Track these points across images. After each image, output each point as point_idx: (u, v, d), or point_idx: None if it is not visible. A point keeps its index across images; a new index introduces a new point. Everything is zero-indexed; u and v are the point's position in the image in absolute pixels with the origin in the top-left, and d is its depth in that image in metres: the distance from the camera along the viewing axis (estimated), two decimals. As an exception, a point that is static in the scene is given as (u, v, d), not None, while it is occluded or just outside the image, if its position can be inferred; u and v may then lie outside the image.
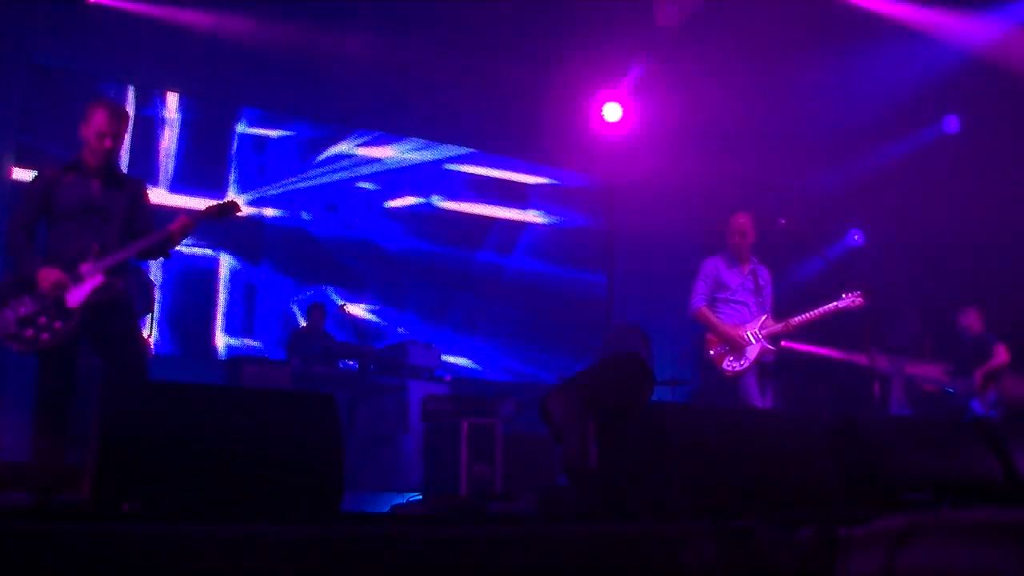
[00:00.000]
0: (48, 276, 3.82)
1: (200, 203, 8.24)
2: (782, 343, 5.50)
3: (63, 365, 3.87)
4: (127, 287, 4.01)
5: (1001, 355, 7.28)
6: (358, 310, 8.94)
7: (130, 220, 4.11)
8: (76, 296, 3.84)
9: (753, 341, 5.35)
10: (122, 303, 3.99)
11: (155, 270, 8.06)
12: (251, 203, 8.76)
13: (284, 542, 1.82)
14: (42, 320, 3.79)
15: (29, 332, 3.77)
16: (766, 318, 5.46)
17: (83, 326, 3.89)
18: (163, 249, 4.14)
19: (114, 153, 4.09)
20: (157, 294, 7.44)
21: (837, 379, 7.97)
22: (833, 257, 7.93)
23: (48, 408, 3.83)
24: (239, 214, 4.29)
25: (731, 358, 5.33)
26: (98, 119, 4.00)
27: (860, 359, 7.30)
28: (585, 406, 2.96)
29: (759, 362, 5.35)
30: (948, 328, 7.69)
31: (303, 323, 8.28)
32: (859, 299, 5.32)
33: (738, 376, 5.30)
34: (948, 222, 8.04)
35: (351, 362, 7.84)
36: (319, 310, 8.06)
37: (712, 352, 5.39)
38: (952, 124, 8.57)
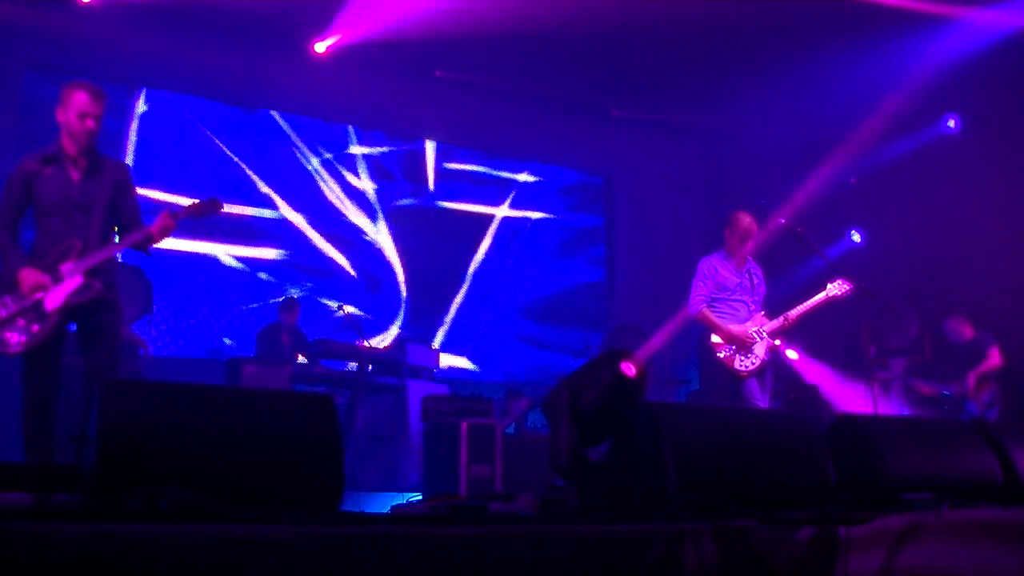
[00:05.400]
0: (29, 278, 3.79)
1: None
2: (780, 345, 5.52)
3: (46, 366, 3.85)
4: (107, 286, 3.93)
5: (994, 357, 7.30)
6: (356, 310, 8.93)
7: (114, 209, 4.03)
8: (54, 299, 3.81)
9: (759, 339, 5.35)
10: (103, 301, 3.92)
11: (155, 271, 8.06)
12: (251, 203, 8.77)
13: (284, 542, 1.82)
14: (20, 323, 3.77)
15: (8, 335, 3.76)
16: (763, 315, 5.47)
17: (62, 326, 3.86)
18: (143, 247, 4.08)
19: (95, 135, 3.98)
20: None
21: (837, 379, 7.97)
22: (833, 257, 7.92)
23: (35, 409, 3.82)
24: (221, 211, 4.18)
25: (741, 357, 5.31)
26: (79, 99, 3.92)
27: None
28: (572, 404, 2.95)
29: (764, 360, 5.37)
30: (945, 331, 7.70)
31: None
32: (846, 286, 5.39)
33: (750, 375, 5.29)
34: (948, 222, 8.04)
35: (346, 362, 7.81)
36: (290, 308, 7.93)
37: (721, 355, 5.36)
38: (952, 124, 8.57)
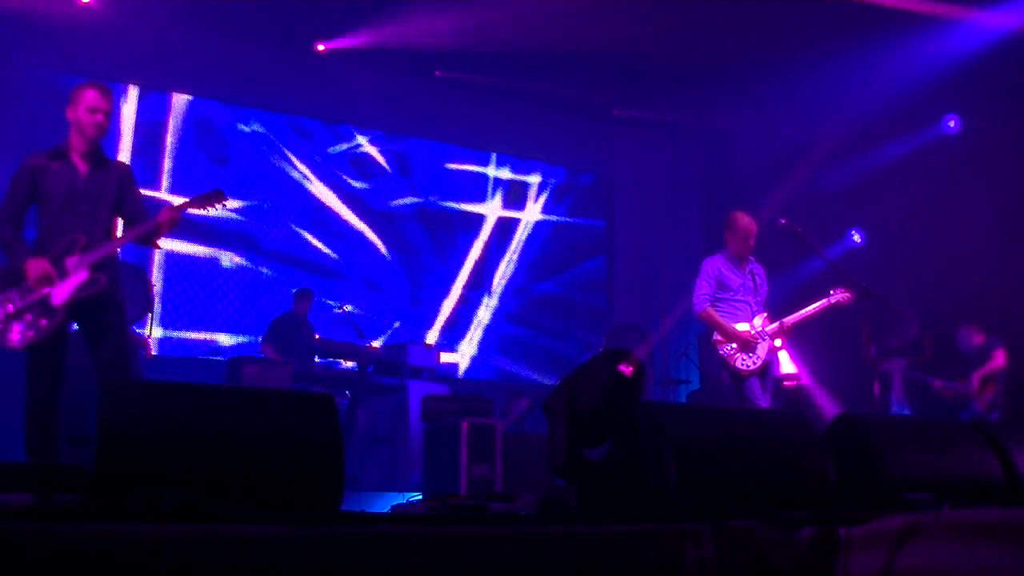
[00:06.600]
0: (36, 268, 3.81)
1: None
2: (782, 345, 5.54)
3: (50, 363, 3.87)
4: (112, 281, 3.96)
5: (999, 358, 7.29)
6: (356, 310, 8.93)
7: (119, 204, 4.09)
8: (60, 293, 3.82)
9: (761, 339, 5.36)
10: (107, 296, 3.94)
11: (156, 272, 8.07)
12: (250, 201, 8.77)
13: (284, 542, 1.82)
14: (28, 317, 3.79)
15: (15, 329, 3.77)
16: (765, 316, 5.48)
17: (69, 322, 3.88)
18: (151, 239, 4.13)
19: (104, 129, 4.07)
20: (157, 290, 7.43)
21: (837, 379, 7.97)
22: (833, 257, 7.92)
23: (38, 406, 3.84)
24: (225, 203, 4.25)
25: (743, 357, 5.33)
26: (89, 96, 4.01)
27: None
28: (570, 405, 2.95)
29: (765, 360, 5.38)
30: (948, 330, 7.69)
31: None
32: (847, 294, 5.45)
33: (751, 375, 5.30)
34: (948, 222, 8.04)
35: (344, 361, 7.80)
36: (303, 298, 7.93)
37: (723, 352, 5.38)
38: (952, 124, 8.56)
